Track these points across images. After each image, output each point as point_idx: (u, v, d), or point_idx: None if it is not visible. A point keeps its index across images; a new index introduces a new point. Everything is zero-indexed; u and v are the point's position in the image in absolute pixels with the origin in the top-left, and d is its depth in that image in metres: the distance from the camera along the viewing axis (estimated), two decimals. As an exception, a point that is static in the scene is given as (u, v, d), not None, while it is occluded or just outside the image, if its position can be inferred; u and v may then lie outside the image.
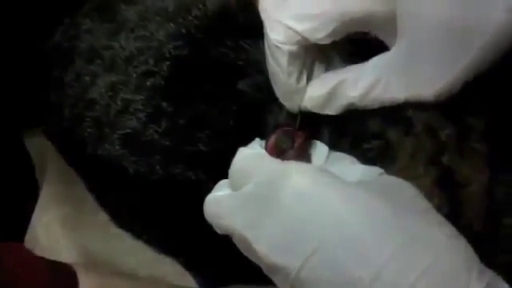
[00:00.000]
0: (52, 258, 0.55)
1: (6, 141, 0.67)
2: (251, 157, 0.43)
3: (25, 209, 0.67)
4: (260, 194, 0.40)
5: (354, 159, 0.45)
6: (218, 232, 0.42)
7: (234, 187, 0.42)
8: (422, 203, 0.40)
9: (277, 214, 0.38)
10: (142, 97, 0.53)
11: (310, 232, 0.37)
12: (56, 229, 0.65)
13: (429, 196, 0.42)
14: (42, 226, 0.65)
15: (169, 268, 0.58)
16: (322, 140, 0.46)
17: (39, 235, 0.65)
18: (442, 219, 0.39)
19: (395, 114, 0.46)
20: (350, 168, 0.43)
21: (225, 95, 0.52)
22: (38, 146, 0.68)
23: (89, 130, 0.55)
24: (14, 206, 0.67)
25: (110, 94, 0.54)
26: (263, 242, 0.38)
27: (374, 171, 0.43)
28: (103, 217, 0.60)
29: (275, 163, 0.41)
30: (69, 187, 0.65)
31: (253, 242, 0.39)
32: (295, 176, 0.39)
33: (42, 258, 0.54)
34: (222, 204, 0.42)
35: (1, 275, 0.50)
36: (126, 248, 0.61)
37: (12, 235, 0.65)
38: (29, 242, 0.64)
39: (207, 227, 0.43)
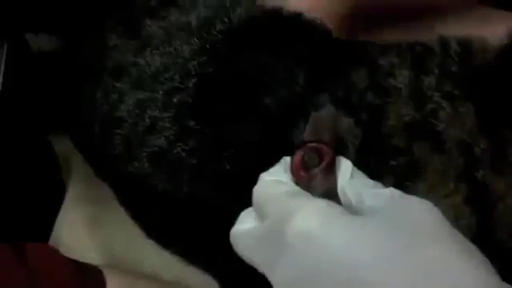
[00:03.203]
0: (76, 257, 0.55)
1: (34, 142, 0.68)
2: (270, 186, 0.42)
3: (52, 209, 0.68)
4: (273, 231, 0.39)
5: (369, 180, 0.43)
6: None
7: (258, 216, 0.42)
8: (438, 223, 0.38)
9: (287, 254, 0.38)
10: (170, 114, 0.53)
11: (320, 274, 0.36)
12: (80, 229, 0.65)
13: (459, 213, 0.41)
14: (67, 226, 0.66)
15: (193, 272, 0.58)
16: (347, 156, 0.45)
17: (64, 235, 0.66)
18: (461, 237, 0.37)
19: (423, 128, 0.45)
20: (367, 190, 0.42)
21: (250, 112, 0.51)
22: (65, 146, 0.68)
23: (118, 147, 0.55)
24: (40, 206, 0.68)
25: (137, 111, 0.54)
26: (278, 280, 0.39)
27: (386, 194, 0.41)
28: (128, 219, 0.60)
29: (288, 197, 0.41)
30: (94, 188, 0.66)
31: (269, 278, 0.39)
32: (302, 214, 0.38)
33: (70, 259, 0.54)
34: (243, 240, 0.42)
35: (28, 275, 0.50)
36: (150, 251, 0.61)
37: (39, 235, 0.66)
38: (53, 241, 0.65)
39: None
